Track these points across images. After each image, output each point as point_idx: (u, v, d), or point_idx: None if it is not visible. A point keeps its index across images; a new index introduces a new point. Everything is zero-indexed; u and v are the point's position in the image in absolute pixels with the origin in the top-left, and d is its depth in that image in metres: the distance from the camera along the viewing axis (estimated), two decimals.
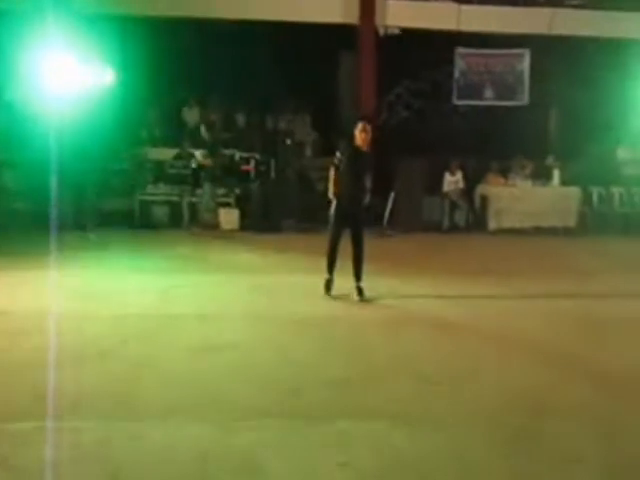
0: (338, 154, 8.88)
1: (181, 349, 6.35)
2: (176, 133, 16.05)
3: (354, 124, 8.89)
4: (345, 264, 8.66)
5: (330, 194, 8.83)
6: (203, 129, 14.23)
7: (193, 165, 14.42)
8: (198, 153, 14.44)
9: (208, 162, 14.30)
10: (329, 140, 15.53)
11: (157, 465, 4.19)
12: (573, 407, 5.29)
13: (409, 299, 8.54)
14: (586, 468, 4.30)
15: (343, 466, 4.20)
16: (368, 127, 8.76)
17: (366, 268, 8.69)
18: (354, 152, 8.78)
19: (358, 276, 8.62)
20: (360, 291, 8.56)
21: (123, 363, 5.95)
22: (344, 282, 8.64)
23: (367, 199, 8.91)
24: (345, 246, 8.70)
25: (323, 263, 8.69)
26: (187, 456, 4.29)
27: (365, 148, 8.76)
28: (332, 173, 8.87)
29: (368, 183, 8.96)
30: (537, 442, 4.63)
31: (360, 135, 8.70)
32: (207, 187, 14.20)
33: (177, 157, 15.10)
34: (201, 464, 4.19)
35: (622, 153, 16.11)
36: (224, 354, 6.25)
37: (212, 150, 14.32)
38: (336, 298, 8.51)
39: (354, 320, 7.69)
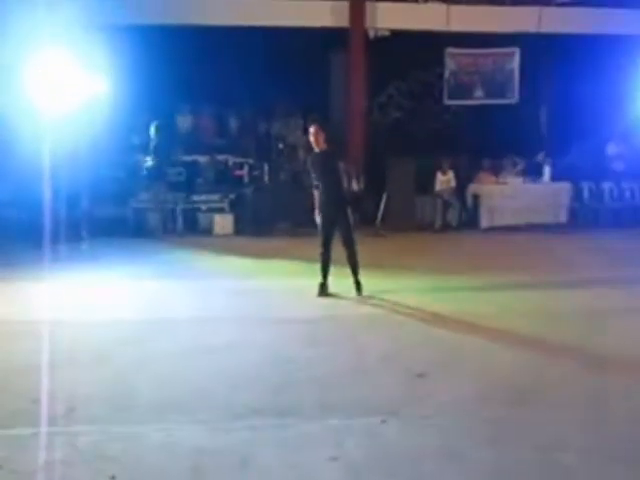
0: (313, 175, 9.04)
1: (174, 352, 6.45)
2: (169, 140, 16.11)
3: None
4: (339, 266, 8.84)
5: (316, 214, 8.98)
6: (152, 130, 14.18)
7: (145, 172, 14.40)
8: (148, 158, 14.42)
9: (150, 163, 14.17)
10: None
11: (154, 465, 4.29)
12: (556, 397, 5.40)
13: (400, 297, 8.60)
14: (571, 455, 4.40)
15: (334, 461, 4.29)
16: (317, 129, 8.91)
17: (360, 267, 8.85)
18: (317, 158, 8.97)
19: (355, 272, 8.80)
20: (358, 285, 8.76)
21: (117, 367, 6.06)
22: (338, 284, 8.82)
23: (354, 184, 9.00)
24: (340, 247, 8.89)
25: (316, 266, 8.85)
26: (182, 455, 4.39)
27: (323, 148, 8.90)
28: (316, 194, 9.02)
29: (353, 184, 9.09)
30: (523, 431, 4.74)
31: (313, 139, 8.89)
32: (153, 189, 14.17)
33: (170, 164, 15.16)
34: (196, 462, 4.29)
35: (612, 148, 16.23)
36: (216, 355, 6.36)
37: (156, 152, 14.24)
38: (329, 300, 8.62)
39: (345, 319, 7.81)
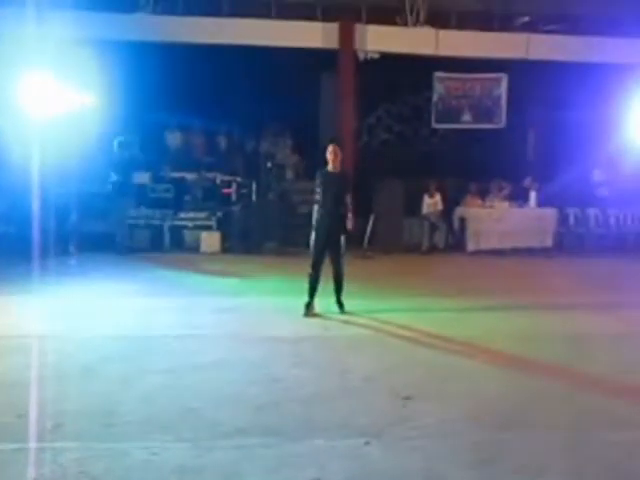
0: (317, 189, 9.11)
1: (160, 369, 6.45)
2: (158, 156, 16.15)
3: (325, 149, 9.18)
4: (324, 286, 8.92)
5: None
6: (115, 146, 14.23)
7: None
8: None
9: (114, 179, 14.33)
10: (310, 163, 15.89)
11: None
12: (540, 421, 5.43)
13: (387, 318, 8.65)
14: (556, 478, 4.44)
15: None
16: (337, 149, 9.06)
17: (345, 288, 9.00)
18: (328, 176, 9.07)
19: (339, 292, 8.96)
20: (341, 305, 8.93)
21: (104, 383, 6.05)
22: (323, 304, 8.91)
23: (350, 224, 9.10)
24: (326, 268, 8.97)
25: (303, 285, 8.94)
26: (166, 473, 4.38)
27: (337, 169, 9.05)
28: (315, 209, 9.10)
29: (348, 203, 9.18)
30: (507, 455, 4.76)
31: (331, 157, 9.01)
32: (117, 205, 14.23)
33: (158, 181, 15.23)
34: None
35: (597, 175, 16.39)
36: (202, 373, 6.37)
37: (117, 168, 14.32)
38: (315, 320, 8.66)
39: (331, 339, 7.84)
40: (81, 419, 5.19)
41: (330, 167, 9.07)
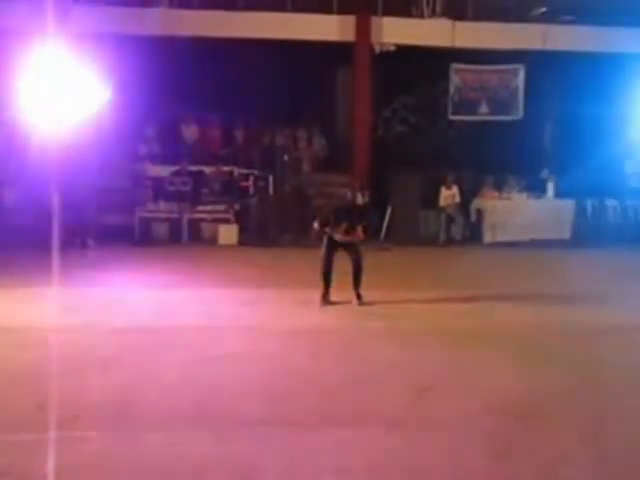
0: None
1: (179, 360, 6.48)
2: (175, 150, 16.19)
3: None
4: (340, 278, 8.94)
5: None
6: None
7: None
8: None
9: None
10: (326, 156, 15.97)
11: (158, 473, 4.32)
12: (559, 413, 5.42)
13: (403, 310, 8.68)
14: (571, 470, 4.43)
15: (337, 472, 4.32)
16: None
17: (363, 280, 9.00)
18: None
19: (357, 284, 8.98)
20: (359, 296, 8.94)
21: (123, 374, 6.09)
22: (340, 295, 8.92)
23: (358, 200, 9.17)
24: (342, 260, 8.99)
25: (319, 277, 8.93)
26: (187, 463, 4.41)
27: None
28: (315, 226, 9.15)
29: (358, 198, 9.22)
30: (524, 446, 4.75)
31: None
32: None
33: (176, 174, 15.28)
34: (200, 470, 4.31)
35: (630, 166, 16.31)
36: (220, 364, 6.40)
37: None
38: (332, 311, 8.68)
39: (348, 330, 7.86)
40: (101, 410, 5.23)
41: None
